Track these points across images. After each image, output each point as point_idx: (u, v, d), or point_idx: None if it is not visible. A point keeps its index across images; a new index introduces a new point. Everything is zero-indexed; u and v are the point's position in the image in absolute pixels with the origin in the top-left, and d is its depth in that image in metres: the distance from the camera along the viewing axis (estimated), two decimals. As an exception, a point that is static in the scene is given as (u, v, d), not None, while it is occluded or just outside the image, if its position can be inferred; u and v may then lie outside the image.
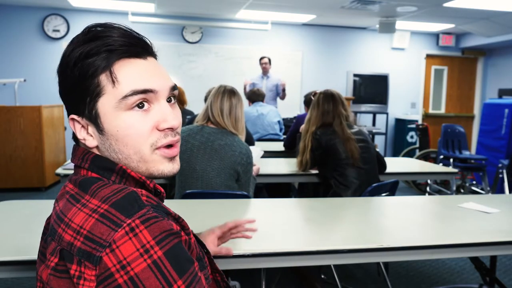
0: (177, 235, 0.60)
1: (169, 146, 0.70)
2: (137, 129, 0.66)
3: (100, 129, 0.67)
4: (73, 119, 0.70)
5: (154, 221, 0.58)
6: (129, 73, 0.66)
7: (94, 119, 0.67)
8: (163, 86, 0.68)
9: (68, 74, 0.67)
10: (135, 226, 0.57)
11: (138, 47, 0.68)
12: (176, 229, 0.61)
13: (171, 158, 0.71)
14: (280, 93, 5.39)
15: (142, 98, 0.66)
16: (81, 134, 0.70)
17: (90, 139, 0.69)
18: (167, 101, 0.70)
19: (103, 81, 0.65)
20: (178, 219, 0.69)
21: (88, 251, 0.57)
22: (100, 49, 0.65)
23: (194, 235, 0.79)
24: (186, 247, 0.62)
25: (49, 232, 0.66)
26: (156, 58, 0.73)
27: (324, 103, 2.43)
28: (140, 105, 0.66)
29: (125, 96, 0.65)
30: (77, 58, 0.65)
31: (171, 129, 0.69)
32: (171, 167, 0.71)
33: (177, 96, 0.74)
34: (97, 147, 0.70)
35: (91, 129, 0.69)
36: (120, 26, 0.68)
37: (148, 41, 0.71)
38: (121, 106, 0.65)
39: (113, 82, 0.65)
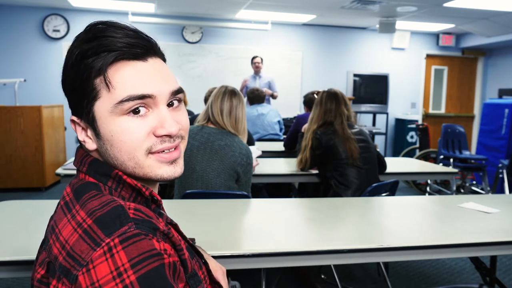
0: (158, 257, 0.56)
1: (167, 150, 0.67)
2: (132, 134, 0.63)
3: (97, 133, 0.65)
4: (73, 121, 0.69)
5: (133, 241, 0.56)
6: (125, 77, 0.63)
7: (91, 122, 0.65)
8: (162, 91, 0.65)
9: (67, 75, 0.65)
10: (113, 246, 0.55)
11: (137, 48, 0.64)
12: (159, 249, 0.57)
13: (172, 162, 0.68)
14: (273, 89, 5.41)
15: (139, 103, 0.63)
16: (81, 136, 0.68)
17: (89, 141, 0.68)
18: (169, 105, 0.68)
19: (98, 85, 0.63)
20: (167, 235, 0.62)
21: (68, 268, 0.55)
22: (97, 50, 0.62)
23: (191, 244, 0.76)
24: (170, 270, 0.58)
25: (43, 238, 0.66)
26: (162, 58, 0.70)
27: (327, 102, 2.44)
28: (136, 110, 0.63)
29: (121, 101, 0.62)
30: (74, 59, 0.63)
31: (169, 136, 0.66)
32: (172, 171, 0.68)
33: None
34: (96, 150, 0.68)
35: (90, 132, 0.67)
36: (121, 25, 0.65)
37: (151, 41, 0.67)
38: (116, 111, 0.63)
39: (108, 86, 0.62)
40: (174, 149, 0.68)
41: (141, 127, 0.64)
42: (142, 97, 0.63)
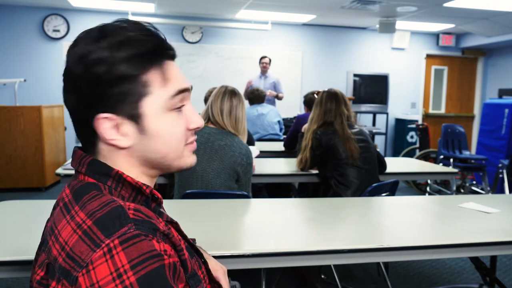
0: (158, 258, 0.56)
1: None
2: (179, 128, 0.70)
3: (142, 129, 0.66)
4: (105, 118, 0.64)
5: (133, 242, 0.56)
6: (174, 74, 0.69)
7: (136, 119, 0.65)
8: (190, 87, 0.73)
9: (107, 74, 0.62)
10: (113, 247, 0.55)
11: (173, 51, 0.72)
12: (159, 250, 0.57)
13: (194, 151, 0.76)
14: (279, 90, 5.41)
15: (181, 98, 0.70)
16: (109, 134, 0.65)
17: (121, 139, 0.66)
18: None
19: (151, 82, 0.66)
20: (167, 235, 0.62)
21: (67, 269, 0.56)
22: (152, 49, 0.67)
23: (190, 244, 0.77)
24: (170, 271, 0.58)
25: (41, 240, 0.66)
26: None
27: (327, 102, 2.44)
28: (180, 107, 0.70)
29: (173, 95, 0.68)
30: (125, 55, 0.63)
31: (198, 128, 0.74)
32: (194, 159, 0.76)
33: None
34: (127, 148, 0.67)
35: (130, 128, 0.65)
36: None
37: None
38: (167, 106, 0.68)
39: (162, 82, 0.67)
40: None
41: (182, 122, 0.71)
42: (186, 90, 0.71)
